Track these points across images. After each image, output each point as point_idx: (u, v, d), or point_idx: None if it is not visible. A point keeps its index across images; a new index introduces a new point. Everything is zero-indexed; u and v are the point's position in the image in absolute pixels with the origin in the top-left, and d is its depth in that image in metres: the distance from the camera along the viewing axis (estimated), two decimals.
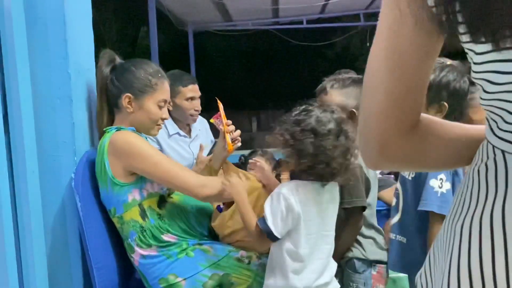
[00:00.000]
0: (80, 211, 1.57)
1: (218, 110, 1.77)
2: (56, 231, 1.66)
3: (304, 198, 1.41)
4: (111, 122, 1.72)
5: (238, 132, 1.78)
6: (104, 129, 1.66)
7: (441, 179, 1.51)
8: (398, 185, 1.73)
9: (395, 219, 1.70)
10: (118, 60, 1.74)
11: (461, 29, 0.53)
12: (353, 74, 3.16)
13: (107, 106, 1.71)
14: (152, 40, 6.03)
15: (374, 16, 7.56)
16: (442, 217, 1.49)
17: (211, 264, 1.60)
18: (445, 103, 1.56)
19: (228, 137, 1.72)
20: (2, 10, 1.46)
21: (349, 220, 1.56)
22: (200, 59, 7.29)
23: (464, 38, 0.55)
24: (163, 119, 1.72)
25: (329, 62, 11.15)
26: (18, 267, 1.52)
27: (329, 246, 1.46)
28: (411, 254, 1.62)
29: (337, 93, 1.63)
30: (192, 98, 2.44)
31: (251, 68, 12.65)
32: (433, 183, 1.51)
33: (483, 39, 0.51)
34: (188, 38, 7.04)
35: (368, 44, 9.22)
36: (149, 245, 1.60)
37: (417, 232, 1.59)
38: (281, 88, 12.04)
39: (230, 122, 1.77)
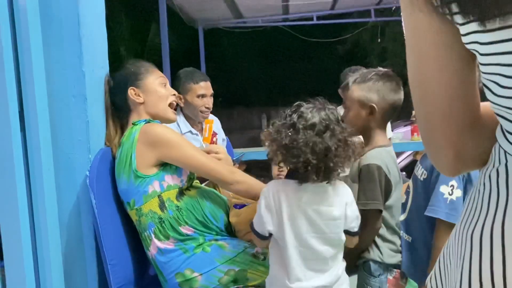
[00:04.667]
0: (95, 208, 1.58)
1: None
2: (71, 228, 1.67)
3: (285, 197, 1.40)
4: (122, 129, 1.78)
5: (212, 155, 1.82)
6: (133, 121, 1.70)
7: (452, 185, 1.48)
8: (410, 183, 1.72)
9: (402, 216, 1.69)
10: (112, 81, 1.82)
11: (454, 8, 0.52)
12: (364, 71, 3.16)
13: (119, 122, 1.79)
14: (162, 38, 6.05)
15: (385, 11, 7.50)
16: (449, 224, 1.48)
17: (227, 260, 1.60)
18: None
19: None
20: (18, 9, 1.47)
21: (365, 223, 1.53)
22: (210, 57, 7.30)
23: (462, 29, 0.54)
24: (173, 95, 1.79)
25: (339, 58, 11.08)
26: (34, 264, 1.54)
27: (328, 247, 1.40)
28: (415, 253, 1.61)
29: (358, 88, 1.62)
30: (203, 96, 2.45)
31: (261, 65, 12.63)
32: (444, 189, 1.49)
33: (471, 17, 0.50)
34: (199, 36, 7.05)
35: (379, 40, 9.18)
36: (167, 237, 1.62)
37: (422, 232, 1.58)
38: (291, 85, 12.00)
39: (207, 148, 1.88)
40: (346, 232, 1.43)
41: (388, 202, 1.57)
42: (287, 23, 7.50)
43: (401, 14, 0.62)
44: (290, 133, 1.36)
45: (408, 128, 3.97)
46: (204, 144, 2.03)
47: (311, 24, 7.37)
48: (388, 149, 1.63)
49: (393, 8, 7.23)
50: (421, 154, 1.79)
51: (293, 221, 1.40)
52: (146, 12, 7.35)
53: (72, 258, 1.67)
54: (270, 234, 1.45)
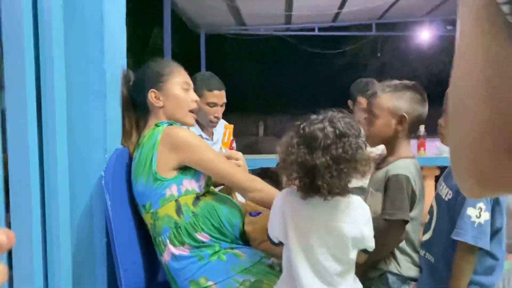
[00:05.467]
0: (110, 210, 1.53)
1: None
2: (83, 229, 1.62)
3: (290, 207, 1.37)
4: (140, 130, 1.74)
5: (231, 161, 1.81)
6: (156, 123, 1.66)
7: (480, 208, 1.44)
8: (433, 202, 1.68)
9: (425, 236, 1.66)
10: (133, 76, 1.79)
11: None
12: (376, 83, 3.15)
13: (134, 119, 1.75)
14: (165, 41, 6.02)
15: (386, 26, 7.56)
16: (472, 247, 1.44)
17: (243, 270, 1.56)
18: None
19: None
20: (42, 3, 1.43)
21: (388, 233, 1.50)
22: (211, 62, 7.26)
23: None
24: (194, 101, 1.74)
25: (338, 70, 11.14)
26: (43, 264, 1.49)
27: (334, 264, 1.33)
28: (436, 275, 1.58)
29: (388, 97, 1.60)
30: (214, 104, 2.39)
31: (260, 73, 12.64)
32: (471, 212, 1.44)
33: None
34: (200, 41, 7.03)
35: (379, 55, 9.24)
36: (182, 243, 1.57)
37: (445, 253, 1.55)
38: (289, 94, 12.02)
39: (227, 154, 1.87)
40: (364, 251, 1.38)
41: (411, 215, 1.55)
42: (289, 33, 7.52)
43: (467, 37, 0.59)
44: (288, 148, 1.32)
45: (415, 142, 3.94)
46: (224, 149, 2.00)
47: (312, 35, 7.38)
48: (414, 161, 1.61)
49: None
50: None
51: (298, 232, 1.36)
52: (149, 15, 7.32)
53: (82, 260, 1.61)
54: (280, 242, 1.41)
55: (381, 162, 1.65)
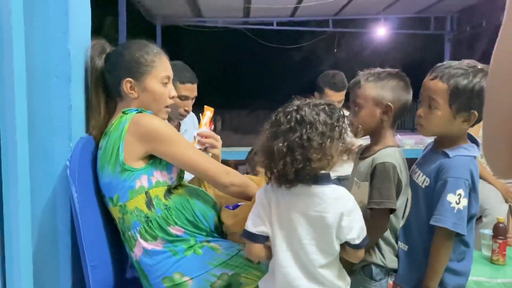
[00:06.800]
0: (75, 202, 1.41)
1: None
2: (45, 224, 1.49)
3: (275, 199, 1.33)
4: (108, 115, 1.61)
5: (207, 140, 1.82)
6: (123, 110, 1.53)
7: (459, 194, 1.44)
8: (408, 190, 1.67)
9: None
10: (109, 48, 1.65)
11: None
12: (342, 75, 3.15)
13: (104, 98, 1.62)
14: (120, 32, 5.81)
15: (342, 22, 7.66)
16: (450, 233, 1.45)
17: (220, 263, 1.49)
18: (475, 112, 1.46)
19: (195, 143, 1.81)
20: None
21: (374, 222, 1.47)
22: (167, 54, 7.09)
23: None
24: (171, 97, 1.63)
25: (296, 64, 11.20)
26: (0, 264, 1.36)
27: (319, 257, 1.30)
28: (412, 263, 1.57)
29: (372, 86, 1.56)
30: (186, 97, 2.30)
31: (219, 66, 12.52)
32: (451, 198, 1.44)
33: None
34: (156, 32, 6.84)
35: (335, 50, 9.36)
36: (155, 237, 1.48)
37: (421, 241, 1.55)
38: (247, 88, 11.96)
39: (205, 131, 1.84)
40: (347, 244, 1.32)
41: (396, 204, 1.52)
42: (247, 26, 7.46)
43: None
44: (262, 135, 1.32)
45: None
46: (205, 128, 1.88)
47: (270, 29, 7.36)
48: (400, 150, 1.59)
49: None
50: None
51: (282, 224, 1.31)
52: (101, 4, 7.03)
53: (44, 259, 1.49)
54: (264, 238, 1.35)
55: (365, 152, 1.62)
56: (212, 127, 1.93)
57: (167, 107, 1.64)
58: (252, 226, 1.35)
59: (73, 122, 1.49)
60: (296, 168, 1.23)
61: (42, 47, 1.44)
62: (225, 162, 1.78)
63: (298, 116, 1.26)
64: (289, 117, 1.27)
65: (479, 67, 1.47)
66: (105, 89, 1.61)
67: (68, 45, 1.45)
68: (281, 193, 1.32)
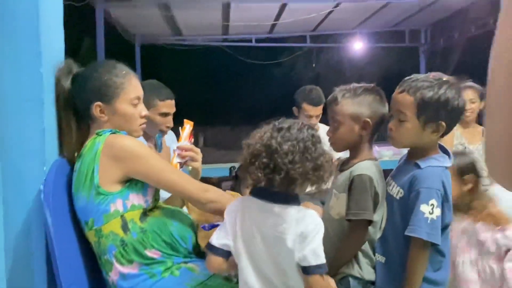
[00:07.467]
0: (50, 227, 1.39)
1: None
2: (19, 250, 1.46)
3: (241, 216, 1.33)
4: (81, 137, 1.59)
5: (187, 153, 1.87)
6: (97, 131, 1.51)
7: (432, 204, 1.46)
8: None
9: None
10: (76, 69, 1.62)
11: None
12: (319, 90, 3.18)
13: (75, 120, 1.59)
14: (99, 53, 5.77)
15: (320, 37, 7.78)
16: (426, 243, 1.46)
17: (198, 284, 1.48)
18: (443, 123, 1.49)
19: (175, 157, 1.86)
20: None
21: (352, 233, 1.47)
22: (147, 73, 7.07)
23: None
24: (142, 117, 1.61)
25: (276, 80, 11.29)
26: None
27: (282, 279, 1.29)
28: (390, 275, 1.58)
29: (349, 103, 1.57)
30: (166, 114, 2.30)
31: (199, 84, 12.54)
32: (424, 208, 1.46)
33: None
34: (135, 52, 6.83)
35: (314, 65, 9.48)
36: (131, 261, 1.46)
37: (397, 252, 1.56)
38: (228, 104, 11.98)
39: (185, 145, 1.90)
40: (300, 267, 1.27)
41: (374, 216, 1.53)
42: (226, 43, 7.51)
43: None
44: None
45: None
46: (185, 141, 1.89)
47: (249, 46, 7.43)
48: (377, 163, 1.61)
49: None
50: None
51: (245, 239, 1.31)
52: (78, 25, 7.00)
53: (19, 284, 1.45)
54: (226, 252, 1.34)
55: (344, 164, 1.64)
56: (192, 140, 1.93)
57: (141, 125, 1.62)
58: (215, 239, 1.35)
59: (46, 145, 1.47)
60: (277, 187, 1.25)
61: (14, 71, 1.43)
62: (208, 179, 1.78)
63: (277, 139, 1.27)
64: (269, 136, 1.28)
65: (444, 79, 1.50)
66: (75, 111, 1.59)
67: (40, 69, 1.44)
68: (248, 207, 1.32)
